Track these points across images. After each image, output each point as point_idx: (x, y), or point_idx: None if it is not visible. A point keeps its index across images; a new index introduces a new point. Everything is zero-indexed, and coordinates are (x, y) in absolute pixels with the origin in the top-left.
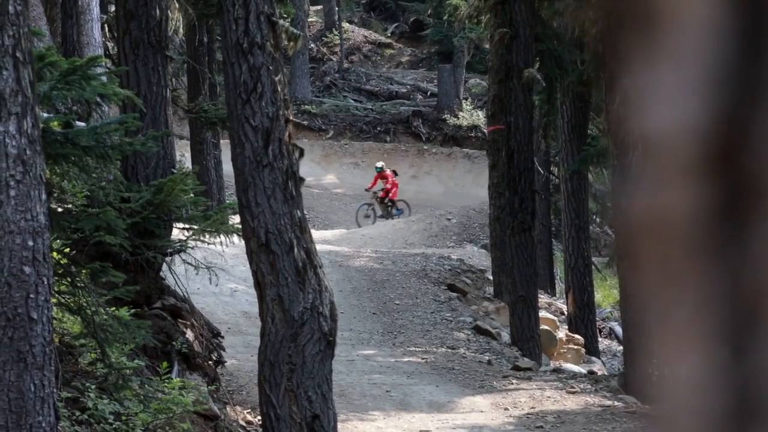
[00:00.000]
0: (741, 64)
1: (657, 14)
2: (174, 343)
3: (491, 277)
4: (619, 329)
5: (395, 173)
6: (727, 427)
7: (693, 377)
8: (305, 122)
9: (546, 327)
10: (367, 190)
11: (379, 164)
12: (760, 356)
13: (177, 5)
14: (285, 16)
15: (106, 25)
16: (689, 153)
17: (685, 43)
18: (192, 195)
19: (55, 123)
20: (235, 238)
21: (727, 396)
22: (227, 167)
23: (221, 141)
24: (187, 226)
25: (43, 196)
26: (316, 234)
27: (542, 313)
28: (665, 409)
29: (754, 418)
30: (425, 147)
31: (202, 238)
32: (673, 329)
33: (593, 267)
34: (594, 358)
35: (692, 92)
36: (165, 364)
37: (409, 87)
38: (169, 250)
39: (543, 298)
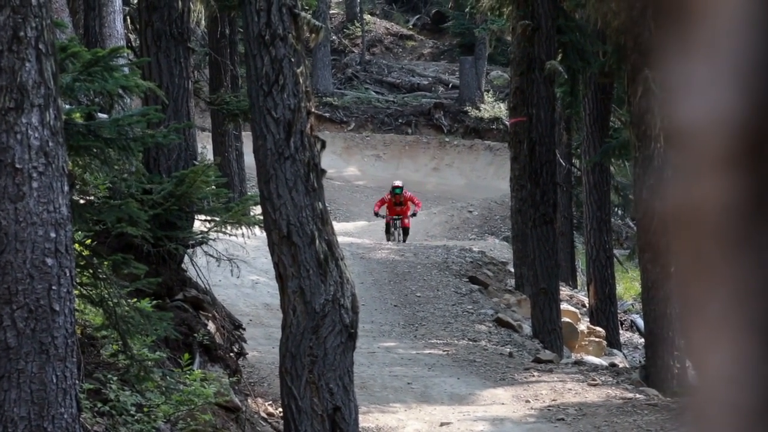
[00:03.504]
0: None
1: (689, 5)
2: (196, 334)
3: (513, 270)
4: (640, 321)
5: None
6: (757, 420)
7: (725, 370)
8: (327, 114)
9: (567, 319)
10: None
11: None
12: None
13: None
14: (307, 7)
15: (128, 17)
16: (722, 145)
17: (718, 34)
18: (214, 187)
19: (78, 115)
20: (257, 230)
21: (758, 389)
22: (249, 159)
23: (243, 133)
24: (208, 217)
25: (66, 188)
26: (337, 226)
27: (564, 306)
28: (696, 402)
29: None
30: (447, 139)
31: (223, 230)
32: (706, 321)
33: (615, 259)
34: (615, 351)
35: (725, 84)
36: (186, 355)
37: (430, 79)
38: (191, 242)
39: (564, 291)
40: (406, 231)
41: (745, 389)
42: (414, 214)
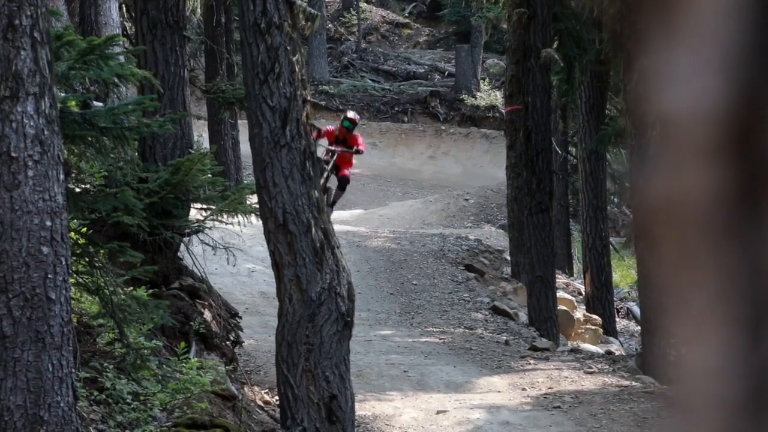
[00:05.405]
0: (759, 44)
1: None
2: (192, 323)
3: (509, 258)
4: (636, 309)
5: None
6: (743, 412)
7: (710, 361)
8: (323, 102)
9: (563, 307)
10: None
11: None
12: None
13: None
14: None
15: (123, 5)
16: (707, 134)
17: (703, 23)
18: (210, 175)
19: (73, 103)
20: (253, 219)
21: (744, 381)
22: (245, 147)
23: (239, 121)
24: (204, 206)
25: (61, 177)
26: (333, 214)
27: (560, 294)
28: (681, 393)
29: None
30: (443, 127)
31: (219, 219)
32: (691, 312)
33: (611, 247)
34: (611, 339)
35: (710, 73)
36: (183, 344)
37: (426, 67)
38: (187, 231)
39: (561, 279)
40: (343, 181)
41: (731, 381)
42: (358, 152)
